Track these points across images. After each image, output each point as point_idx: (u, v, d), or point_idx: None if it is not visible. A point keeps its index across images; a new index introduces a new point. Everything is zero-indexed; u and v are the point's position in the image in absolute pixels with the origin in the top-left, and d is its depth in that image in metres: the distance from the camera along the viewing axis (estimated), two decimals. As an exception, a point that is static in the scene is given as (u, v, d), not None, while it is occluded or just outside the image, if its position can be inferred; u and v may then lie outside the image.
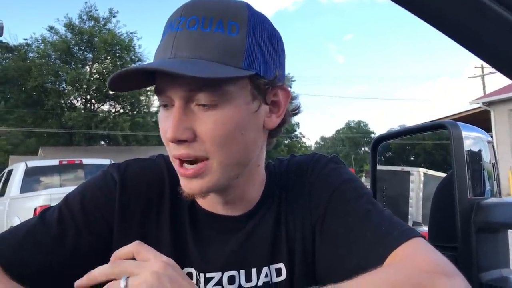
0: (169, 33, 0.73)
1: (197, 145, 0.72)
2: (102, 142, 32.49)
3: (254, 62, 0.73)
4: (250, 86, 0.74)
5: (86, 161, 8.06)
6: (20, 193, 6.95)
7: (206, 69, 0.68)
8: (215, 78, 0.69)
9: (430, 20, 0.72)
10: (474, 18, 0.68)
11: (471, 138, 1.10)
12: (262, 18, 0.77)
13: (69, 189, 0.88)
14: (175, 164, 0.76)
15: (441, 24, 0.72)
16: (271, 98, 0.78)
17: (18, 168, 7.43)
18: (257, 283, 0.81)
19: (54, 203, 0.84)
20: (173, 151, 0.74)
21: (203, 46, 0.70)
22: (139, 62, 30.26)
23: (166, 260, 0.61)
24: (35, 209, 5.54)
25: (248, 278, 0.81)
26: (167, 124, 0.73)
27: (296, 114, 0.88)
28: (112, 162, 0.88)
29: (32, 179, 7.34)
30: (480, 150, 1.12)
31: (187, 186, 0.75)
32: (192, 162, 0.73)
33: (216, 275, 0.80)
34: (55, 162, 7.85)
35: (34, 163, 7.89)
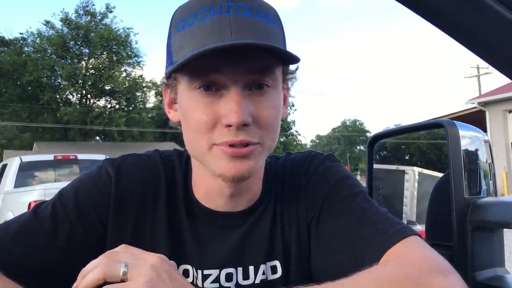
0: (217, 17, 0.70)
1: (254, 130, 0.72)
2: (98, 138, 32.40)
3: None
4: (282, 75, 0.77)
5: (81, 156, 8.02)
6: (15, 188, 6.91)
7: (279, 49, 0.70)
8: (294, 56, 0.71)
9: (429, 18, 0.72)
10: (474, 17, 0.68)
11: (468, 137, 1.10)
12: None
13: (64, 184, 0.87)
14: (213, 149, 0.72)
15: (441, 22, 0.72)
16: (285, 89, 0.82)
17: (13, 163, 7.39)
18: (254, 280, 0.81)
19: (48, 198, 0.83)
20: (226, 138, 0.71)
21: (259, 32, 0.71)
22: (136, 58, 30.21)
23: (161, 256, 0.60)
24: (29, 204, 5.52)
25: (246, 276, 0.81)
26: (214, 108, 0.71)
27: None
28: (107, 157, 0.87)
29: (26, 174, 7.31)
30: (476, 149, 1.12)
31: (236, 167, 0.72)
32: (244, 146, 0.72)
33: (214, 272, 0.80)
34: (50, 157, 7.82)
35: (28, 158, 7.85)
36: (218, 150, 0.72)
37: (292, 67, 0.80)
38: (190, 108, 0.73)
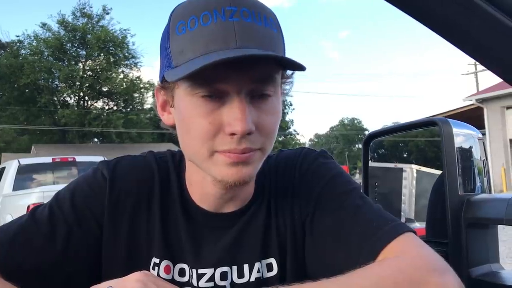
0: (220, 22, 0.68)
1: (256, 138, 0.71)
2: (96, 140, 32.35)
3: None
4: (280, 80, 0.77)
5: (79, 158, 8.02)
6: (13, 190, 6.91)
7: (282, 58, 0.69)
8: (301, 65, 0.69)
9: (423, 20, 0.72)
10: (466, 18, 0.68)
11: (462, 135, 1.11)
12: None
13: (62, 186, 0.87)
14: (215, 156, 0.72)
15: (434, 24, 0.73)
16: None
17: (11, 166, 7.38)
18: (249, 279, 0.81)
19: (47, 201, 0.84)
20: (228, 145, 0.70)
21: (262, 39, 0.70)
22: (133, 60, 30.18)
23: (145, 271, 0.62)
24: (28, 206, 5.51)
25: (240, 274, 0.81)
26: (217, 116, 0.70)
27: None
28: (106, 159, 0.88)
29: (25, 176, 7.30)
30: (470, 147, 1.12)
31: (237, 173, 0.72)
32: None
33: (209, 271, 0.80)
34: (48, 159, 7.82)
35: (27, 160, 7.83)
36: (220, 157, 0.71)
37: (289, 71, 0.79)
38: (190, 115, 0.72)
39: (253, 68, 0.68)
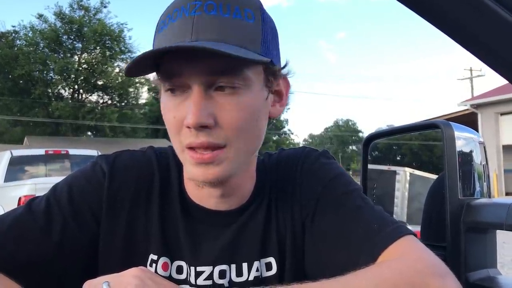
0: (184, 17, 0.69)
1: (217, 132, 0.70)
2: (89, 133, 32.21)
3: (268, 49, 0.73)
4: (264, 73, 0.75)
5: (72, 151, 7.98)
6: (4, 182, 6.85)
7: (235, 51, 0.66)
8: (250, 59, 0.68)
9: (428, 17, 0.71)
10: (472, 16, 0.68)
11: (463, 138, 1.11)
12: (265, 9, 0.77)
13: (55, 179, 0.86)
14: (185, 154, 0.73)
15: (439, 20, 0.72)
16: (275, 87, 0.79)
17: (3, 157, 7.32)
18: (248, 277, 0.80)
19: (39, 193, 0.82)
20: (187, 140, 0.71)
21: (225, 31, 0.69)
22: (129, 54, 30.04)
23: (142, 267, 0.61)
24: (20, 198, 5.48)
25: (239, 273, 0.80)
26: (180, 110, 0.70)
27: (286, 105, 0.88)
28: (99, 153, 0.87)
29: (17, 168, 7.25)
30: (471, 151, 1.12)
31: (203, 173, 0.72)
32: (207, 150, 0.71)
33: (207, 269, 0.79)
34: (41, 151, 7.77)
35: (19, 152, 7.79)
36: (187, 155, 0.72)
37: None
38: (163, 110, 0.74)
39: (206, 61, 0.67)
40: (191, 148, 0.71)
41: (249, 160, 0.79)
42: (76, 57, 29.79)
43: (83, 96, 30.48)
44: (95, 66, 28.72)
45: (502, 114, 17.04)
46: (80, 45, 29.55)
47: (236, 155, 0.73)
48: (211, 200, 0.81)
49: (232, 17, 0.69)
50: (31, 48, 27.85)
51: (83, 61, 29.47)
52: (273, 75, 0.76)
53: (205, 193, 0.80)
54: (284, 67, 0.79)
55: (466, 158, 1.10)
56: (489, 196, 1.13)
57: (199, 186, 0.76)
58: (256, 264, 0.81)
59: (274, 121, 0.85)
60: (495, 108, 16.93)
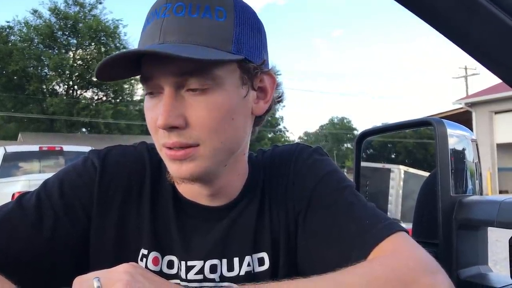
0: (155, 20, 0.71)
1: (188, 132, 0.71)
2: (84, 130, 32.11)
3: (242, 47, 0.73)
4: (239, 71, 0.75)
5: (66, 148, 7.95)
6: (-2, 178, 6.82)
7: (199, 52, 0.67)
8: (210, 60, 0.68)
9: (423, 16, 0.71)
10: (467, 16, 0.68)
11: (456, 136, 1.11)
12: (245, 5, 0.77)
13: (49, 175, 0.85)
14: (162, 152, 0.74)
15: (434, 19, 0.72)
16: (258, 84, 0.79)
17: (-3, 153, 7.29)
18: (239, 272, 0.80)
19: (32, 189, 0.82)
20: (162, 140, 0.72)
21: (192, 31, 0.69)
22: (124, 50, 29.91)
23: (132, 263, 0.61)
24: (13, 194, 5.47)
25: (230, 267, 0.80)
26: (155, 112, 0.72)
27: (280, 101, 0.88)
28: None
29: (11, 164, 7.22)
30: (464, 149, 1.12)
31: (178, 170, 0.73)
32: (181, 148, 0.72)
33: (198, 264, 0.79)
34: (35, 148, 7.74)
35: (13, 148, 7.75)
36: (164, 152, 0.74)
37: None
38: (144, 112, 0.76)
39: (175, 63, 0.68)
40: (164, 146, 0.73)
41: (233, 159, 0.79)
42: (71, 53, 29.70)
43: (78, 92, 30.37)
44: (90, 62, 28.63)
45: (496, 112, 17.12)
46: (75, 41, 29.47)
47: (212, 154, 0.73)
48: (201, 196, 0.81)
49: (201, 16, 0.70)
50: (26, 44, 27.74)
51: (78, 57, 29.38)
52: (249, 72, 0.76)
53: (196, 190, 0.80)
54: (262, 63, 0.78)
55: (459, 155, 1.10)
56: (481, 194, 1.14)
57: (178, 182, 0.78)
58: (247, 259, 0.81)
59: (269, 118, 0.85)
60: (490, 106, 17.00)
